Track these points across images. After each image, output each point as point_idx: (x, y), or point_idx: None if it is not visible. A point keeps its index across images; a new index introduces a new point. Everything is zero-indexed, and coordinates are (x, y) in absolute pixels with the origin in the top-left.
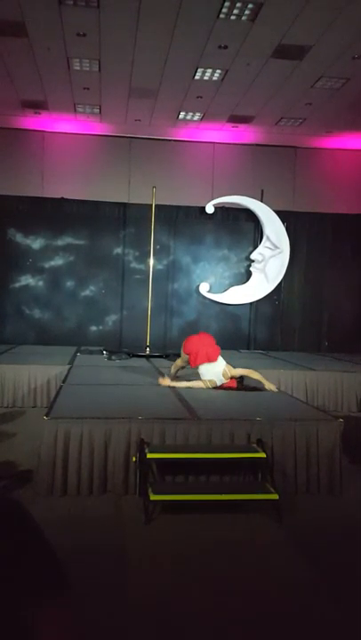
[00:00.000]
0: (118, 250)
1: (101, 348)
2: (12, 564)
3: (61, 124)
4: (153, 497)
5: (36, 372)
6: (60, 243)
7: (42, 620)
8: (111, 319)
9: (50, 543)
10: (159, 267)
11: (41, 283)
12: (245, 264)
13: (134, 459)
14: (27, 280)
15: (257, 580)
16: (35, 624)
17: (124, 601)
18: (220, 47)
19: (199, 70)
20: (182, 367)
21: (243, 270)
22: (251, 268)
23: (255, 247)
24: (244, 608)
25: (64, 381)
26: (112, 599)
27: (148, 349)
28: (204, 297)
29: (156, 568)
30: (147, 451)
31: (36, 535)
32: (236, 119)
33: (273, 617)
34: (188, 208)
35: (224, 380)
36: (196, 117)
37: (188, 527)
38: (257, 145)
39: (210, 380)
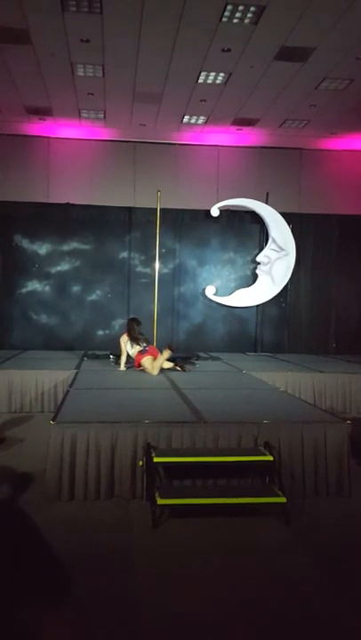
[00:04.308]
0: (124, 254)
1: (108, 353)
2: (16, 568)
3: (66, 129)
4: (160, 501)
5: (43, 377)
6: (65, 248)
7: (43, 623)
8: (118, 323)
9: (55, 547)
10: (165, 270)
11: (47, 288)
12: (251, 266)
13: (141, 463)
14: (33, 285)
15: (265, 583)
16: (36, 627)
17: (131, 604)
18: (223, 50)
19: (203, 74)
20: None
21: (249, 273)
22: (257, 271)
23: (261, 249)
24: (251, 611)
25: (71, 386)
26: (119, 603)
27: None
28: (211, 300)
29: (164, 572)
30: (153, 455)
31: (41, 539)
32: (241, 122)
33: (281, 620)
34: (194, 211)
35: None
36: (200, 121)
37: (195, 531)
38: (262, 147)
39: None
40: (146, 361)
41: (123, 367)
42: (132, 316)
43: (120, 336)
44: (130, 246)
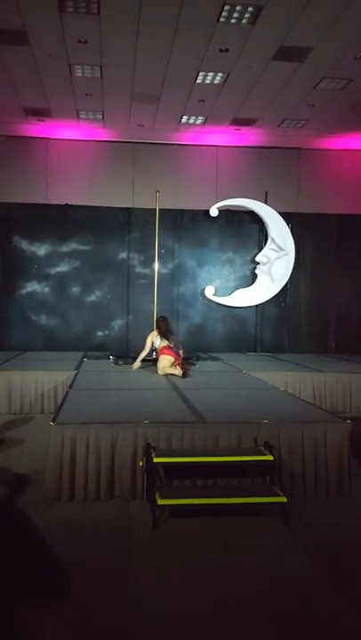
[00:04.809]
0: (123, 255)
1: (108, 353)
2: (16, 568)
3: (65, 130)
4: (160, 501)
5: (43, 379)
6: (65, 249)
7: (43, 623)
8: (117, 324)
9: (55, 548)
10: (164, 271)
11: (47, 289)
12: (251, 266)
13: (141, 463)
14: (33, 287)
15: (265, 583)
16: (36, 627)
17: (131, 604)
18: (221, 50)
19: (201, 74)
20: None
21: (248, 273)
22: (256, 271)
23: (260, 249)
24: (251, 611)
25: (71, 387)
26: (119, 603)
27: (154, 354)
28: (210, 300)
29: (164, 572)
30: (153, 455)
31: (41, 540)
32: (239, 122)
33: (281, 620)
34: (193, 212)
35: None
36: (198, 121)
37: (195, 531)
38: (260, 147)
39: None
40: (166, 359)
41: (138, 364)
42: (161, 315)
43: (149, 333)
44: (129, 247)
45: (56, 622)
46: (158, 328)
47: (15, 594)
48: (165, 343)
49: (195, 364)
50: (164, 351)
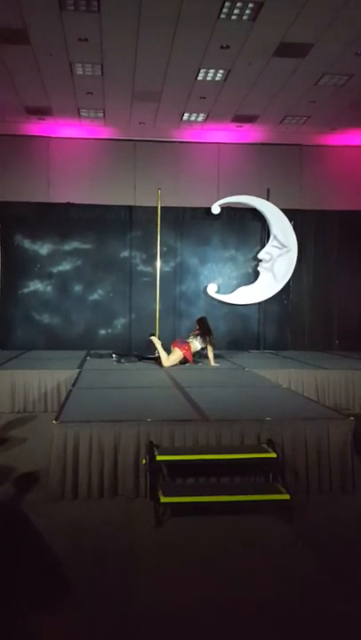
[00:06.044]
0: (125, 253)
1: (111, 352)
2: (17, 567)
3: (66, 129)
4: (163, 499)
5: (46, 377)
6: (67, 247)
7: (43, 623)
8: (120, 322)
9: (57, 547)
10: (166, 269)
11: (49, 288)
12: (253, 264)
13: (144, 461)
14: (35, 285)
15: (267, 582)
16: (36, 627)
17: (132, 604)
18: (221, 47)
19: (202, 71)
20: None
21: (250, 270)
22: (258, 268)
23: (262, 246)
24: (252, 611)
25: (73, 385)
26: (120, 602)
27: (156, 352)
28: (213, 298)
29: (166, 571)
30: (156, 453)
31: (43, 539)
32: (241, 119)
33: (282, 620)
34: (194, 209)
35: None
36: (200, 118)
37: (199, 529)
38: (262, 144)
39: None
40: (176, 353)
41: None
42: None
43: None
44: (131, 245)
45: (56, 622)
46: (197, 328)
47: (15, 593)
48: (191, 340)
49: (197, 362)
50: (184, 347)
